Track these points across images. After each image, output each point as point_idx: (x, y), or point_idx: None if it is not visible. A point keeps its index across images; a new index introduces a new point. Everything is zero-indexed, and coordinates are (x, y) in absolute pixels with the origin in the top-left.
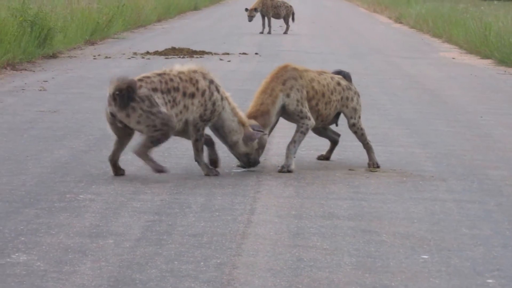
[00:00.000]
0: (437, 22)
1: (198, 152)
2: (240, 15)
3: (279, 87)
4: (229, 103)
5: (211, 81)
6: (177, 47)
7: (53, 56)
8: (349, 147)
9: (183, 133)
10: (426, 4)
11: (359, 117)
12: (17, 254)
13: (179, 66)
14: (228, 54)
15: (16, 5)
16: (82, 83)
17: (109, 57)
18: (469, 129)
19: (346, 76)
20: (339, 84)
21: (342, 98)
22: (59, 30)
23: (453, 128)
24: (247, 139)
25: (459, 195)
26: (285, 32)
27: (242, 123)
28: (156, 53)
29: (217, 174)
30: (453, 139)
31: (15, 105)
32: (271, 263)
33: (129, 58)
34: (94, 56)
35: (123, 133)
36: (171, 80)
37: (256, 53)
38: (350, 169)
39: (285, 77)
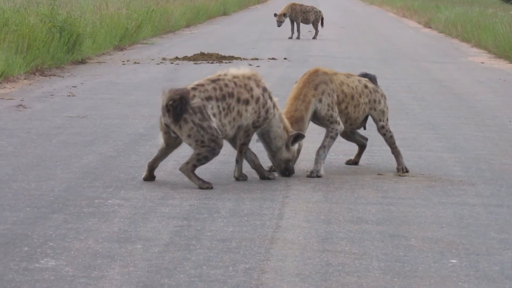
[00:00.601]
0: (466, 26)
1: (241, 154)
2: (269, 20)
3: (311, 93)
4: (277, 109)
5: (264, 89)
6: (206, 52)
7: (82, 61)
8: (377, 152)
9: (233, 139)
10: (455, 9)
11: (387, 119)
12: (45, 260)
13: (235, 70)
14: (257, 59)
15: (45, 11)
16: (111, 88)
17: (138, 63)
18: (498, 133)
19: (372, 79)
20: (366, 87)
21: (370, 100)
22: (88, 35)
23: (481, 132)
24: (293, 140)
25: (487, 200)
26: (314, 37)
27: (286, 130)
28: (185, 58)
29: (245, 179)
30: (481, 143)
31: (44, 111)
32: (300, 268)
33: (158, 64)
34: (123, 61)
35: (173, 143)
36: (226, 85)
37: (285, 58)
38: (378, 174)
39: (316, 82)
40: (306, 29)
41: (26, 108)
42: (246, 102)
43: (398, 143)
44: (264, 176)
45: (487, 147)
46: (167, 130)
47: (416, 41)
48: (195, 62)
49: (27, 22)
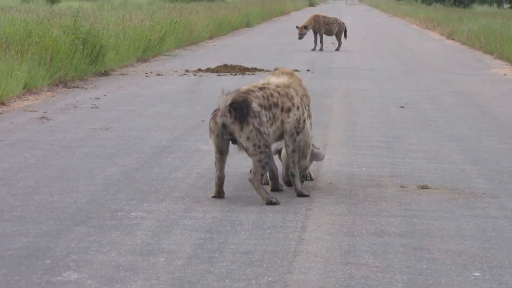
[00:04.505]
0: (489, 38)
1: (294, 165)
2: (292, 32)
3: None
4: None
5: (301, 98)
6: (229, 64)
7: (105, 73)
8: (400, 164)
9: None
10: (478, 21)
11: None
12: (68, 272)
13: (275, 79)
14: None
15: (68, 23)
16: (134, 100)
17: (161, 74)
18: None
19: None
20: None
21: None
22: (111, 47)
23: (505, 144)
24: (315, 157)
25: (511, 212)
26: (337, 49)
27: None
28: (208, 70)
29: (308, 195)
30: (505, 155)
31: (67, 123)
32: (323, 280)
33: (181, 75)
34: (146, 73)
35: (226, 147)
36: (271, 95)
37: (308, 70)
38: (401, 186)
39: None
40: (329, 40)
41: (49, 120)
42: (288, 110)
43: (421, 155)
44: (278, 188)
45: (510, 159)
46: (219, 133)
47: (439, 53)
48: (218, 74)
49: (50, 34)
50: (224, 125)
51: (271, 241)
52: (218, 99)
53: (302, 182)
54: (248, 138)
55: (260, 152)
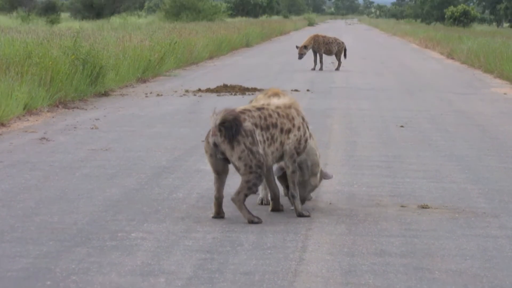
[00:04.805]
0: (489, 57)
1: (294, 185)
2: (292, 51)
3: None
4: (312, 139)
5: (303, 118)
6: (229, 84)
7: (105, 94)
8: (401, 184)
9: (282, 177)
10: (477, 40)
11: None
12: None
13: (276, 100)
14: None
15: (68, 44)
16: (134, 121)
17: (161, 95)
18: None
19: None
20: None
21: None
22: (111, 68)
23: (505, 164)
24: (324, 176)
25: (511, 232)
26: (337, 69)
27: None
28: (208, 90)
29: (309, 215)
30: (505, 175)
31: (67, 144)
32: None
33: (181, 96)
34: (146, 94)
35: (222, 167)
36: (270, 116)
37: (308, 90)
38: (402, 206)
39: None
40: (329, 60)
41: (49, 141)
42: (288, 131)
43: (421, 174)
44: (278, 208)
45: (510, 179)
46: (213, 152)
47: (439, 72)
48: (218, 94)
49: (50, 55)
50: (215, 145)
51: (272, 261)
52: (210, 119)
53: (303, 202)
54: (239, 158)
55: (250, 173)
